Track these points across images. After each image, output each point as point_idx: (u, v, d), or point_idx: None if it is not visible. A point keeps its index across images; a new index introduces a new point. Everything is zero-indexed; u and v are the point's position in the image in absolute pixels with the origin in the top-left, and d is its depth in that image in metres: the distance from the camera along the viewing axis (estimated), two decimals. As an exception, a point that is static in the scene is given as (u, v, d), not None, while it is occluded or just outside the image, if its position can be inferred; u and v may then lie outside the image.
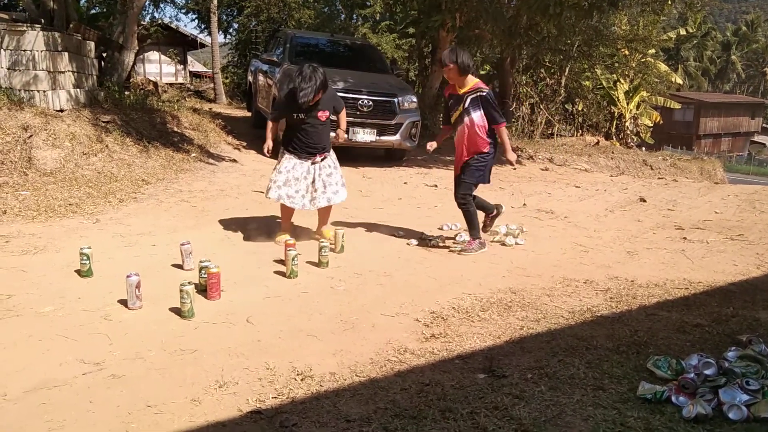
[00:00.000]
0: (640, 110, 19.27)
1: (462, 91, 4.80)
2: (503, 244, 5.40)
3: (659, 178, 11.79)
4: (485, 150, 4.88)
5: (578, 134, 17.34)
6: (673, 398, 2.64)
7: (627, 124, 18.74)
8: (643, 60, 18.29)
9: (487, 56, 16.74)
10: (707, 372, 2.82)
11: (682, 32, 22.03)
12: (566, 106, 18.08)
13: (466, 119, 4.81)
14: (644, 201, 7.89)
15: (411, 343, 3.27)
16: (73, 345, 3.07)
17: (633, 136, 19.14)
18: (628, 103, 18.55)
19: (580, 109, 18.09)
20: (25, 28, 7.43)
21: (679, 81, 24.10)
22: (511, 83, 15.86)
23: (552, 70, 17.26)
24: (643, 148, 19.58)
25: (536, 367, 3.02)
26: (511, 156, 5.03)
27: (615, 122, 18.60)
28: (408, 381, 2.83)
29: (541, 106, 16.24)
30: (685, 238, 5.84)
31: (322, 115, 4.84)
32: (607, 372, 2.98)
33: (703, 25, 53.20)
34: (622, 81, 18.35)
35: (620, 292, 4.27)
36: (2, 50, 7.41)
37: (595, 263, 5.01)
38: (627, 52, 17.13)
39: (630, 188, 9.21)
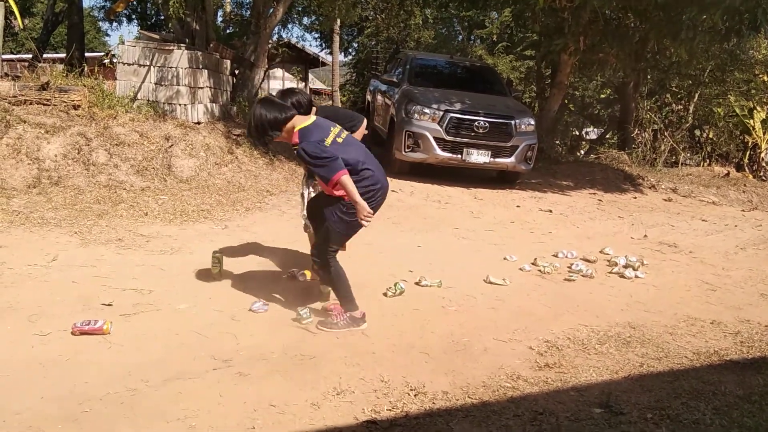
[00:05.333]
0: (779, 140, 17.78)
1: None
2: (622, 276, 5.20)
3: (799, 216, 10.81)
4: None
5: (705, 164, 16.27)
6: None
7: (762, 155, 17.32)
8: (784, 87, 16.90)
9: (609, 79, 16.18)
10: None
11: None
12: (693, 133, 17.05)
13: None
14: (781, 240, 7.28)
15: (524, 370, 3.24)
16: (205, 341, 3.32)
17: (769, 169, 17.67)
18: (764, 133, 17.19)
19: (709, 137, 16.99)
20: (172, 48, 8.15)
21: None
22: (633, 108, 15.21)
23: (679, 96, 16.37)
24: (781, 182, 18.02)
25: (657, 408, 2.89)
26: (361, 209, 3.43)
27: (748, 152, 17.27)
28: (521, 408, 2.81)
29: (666, 133, 15.42)
30: (829, 284, 5.33)
31: None
32: (736, 421, 2.80)
33: None
34: (759, 109, 17.02)
35: (752, 336, 3.99)
36: (152, 67, 8.16)
37: (723, 303, 4.70)
38: (766, 78, 15.91)
39: (765, 225, 8.53)
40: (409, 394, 2.87)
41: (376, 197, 3.55)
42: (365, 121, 4.18)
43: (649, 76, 14.59)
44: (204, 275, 4.37)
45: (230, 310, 3.76)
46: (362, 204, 3.37)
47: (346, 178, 3.33)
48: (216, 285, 4.21)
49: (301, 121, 3.43)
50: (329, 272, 3.68)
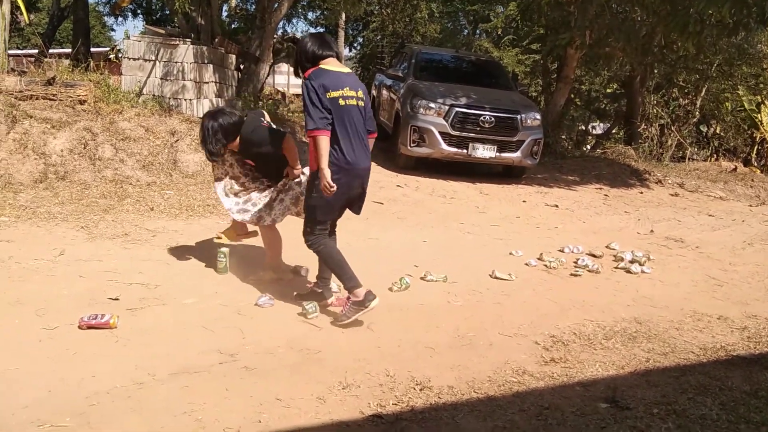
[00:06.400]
0: (787, 135, 17.66)
1: None
2: (628, 271, 5.18)
3: (807, 211, 10.74)
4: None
5: (713, 159, 16.18)
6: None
7: (770, 150, 17.22)
8: (793, 81, 16.77)
9: (616, 74, 16.09)
10: None
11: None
12: (700, 128, 16.95)
13: None
14: (789, 235, 7.24)
15: (530, 365, 3.24)
16: (211, 336, 3.33)
17: (777, 164, 17.56)
18: (772, 128, 17.07)
19: (716, 131, 16.90)
20: (178, 42, 8.16)
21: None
22: (639, 103, 15.13)
23: (686, 90, 16.27)
24: (788, 177, 17.91)
25: (663, 403, 2.89)
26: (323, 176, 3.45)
27: (756, 147, 17.17)
28: (527, 402, 2.81)
29: (673, 128, 15.34)
30: (837, 279, 5.30)
31: (248, 162, 4.23)
32: (743, 416, 2.80)
33: None
34: (767, 103, 16.92)
35: (759, 332, 3.97)
36: (157, 62, 8.17)
37: (730, 299, 4.68)
38: (774, 72, 15.80)
39: (772, 220, 8.48)
40: (414, 389, 2.87)
41: (340, 179, 3.42)
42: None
43: (656, 71, 14.50)
44: (210, 270, 4.38)
45: (236, 305, 3.77)
46: (326, 171, 3.34)
47: (323, 140, 3.32)
48: (222, 280, 4.23)
49: (324, 63, 3.44)
50: (320, 253, 3.63)
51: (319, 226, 3.61)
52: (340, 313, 3.61)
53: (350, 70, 3.58)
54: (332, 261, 3.62)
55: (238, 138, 4.03)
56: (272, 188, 4.22)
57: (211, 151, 4.01)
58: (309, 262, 4.58)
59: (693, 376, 3.21)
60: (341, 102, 3.37)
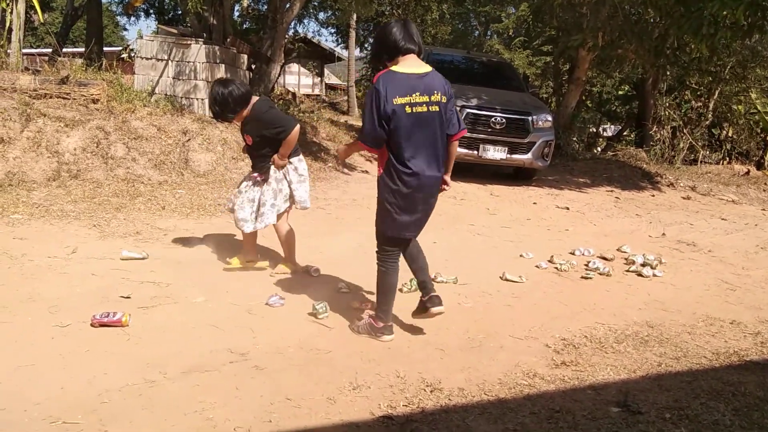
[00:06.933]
0: (801, 139, 17.49)
1: None
2: (639, 274, 5.14)
3: (821, 215, 10.62)
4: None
5: (725, 162, 16.06)
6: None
7: (784, 153, 17.06)
8: (807, 84, 16.62)
9: (628, 76, 16.01)
10: None
11: None
12: (713, 131, 16.83)
13: None
14: (803, 239, 7.16)
15: (540, 368, 3.22)
16: (222, 335, 3.34)
17: (790, 167, 17.40)
18: (785, 131, 16.91)
19: (729, 134, 16.77)
20: (190, 42, 8.20)
21: None
22: (651, 105, 15.06)
23: (699, 92, 16.17)
24: (802, 181, 17.72)
25: (675, 408, 2.86)
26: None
27: (769, 151, 17.02)
28: (537, 405, 2.79)
29: (685, 131, 15.24)
30: None
31: (247, 138, 4.26)
32: (756, 422, 2.77)
33: None
34: (780, 106, 16.77)
35: (773, 337, 3.93)
36: (170, 62, 8.21)
37: (743, 303, 4.64)
38: (788, 76, 15.66)
39: (786, 224, 8.40)
40: (425, 390, 2.86)
41: (400, 188, 3.21)
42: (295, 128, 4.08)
43: (668, 73, 14.42)
44: (220, 269, 4.39)
45: (246, 304, 3.77)
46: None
47: (357, 149, 3.42)
48: (232, 278, 4.24)
49: (402, 59, 3.18)
50: (378, 272, 3.42)
51: (386, 244, 3.39)
52: (358, 321, 3.55)
53: (429, 69, 3.23)
54: (383, 286, 3.42)
55: (250, 113, 4.13)
56: (253, 182, 4.29)
57: (219, 114, 4.11)
58: (320, 263, 4.60)
59: (705, 381, 3.18)
60: (407, 109, 3.10)
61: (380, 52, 3.27)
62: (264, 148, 4.19)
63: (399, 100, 3.08)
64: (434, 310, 3.42)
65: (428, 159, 3.22)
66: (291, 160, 4.28)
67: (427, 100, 3.15)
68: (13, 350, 2.95)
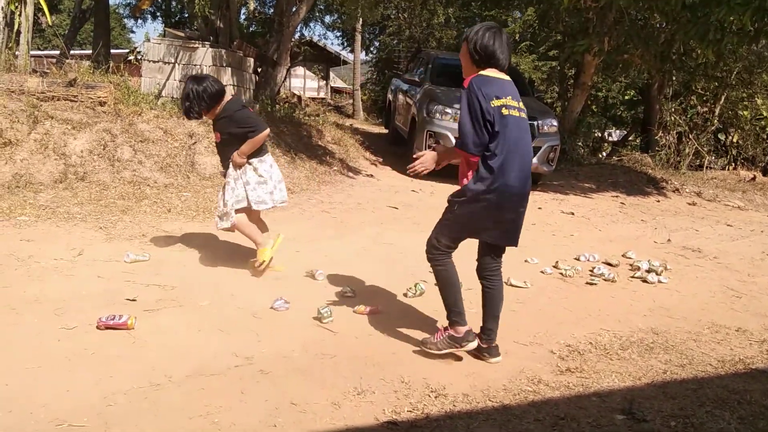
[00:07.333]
0: (807, 145, 17.41)
1: None
2: (644, 280, 5.13)
3: (827, 222, 10.58)
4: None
5: (731, 168, 16.00)
6: None
7: (790, 159, 16.99)
8: (813, 90, 16.56)
9: (633, 81, 15.99)
10: None
11: None
12: (719, 136, 16.78)
13: None
14: (809, 246, 7.13)
15: (545, 374, 3.22)
16: (227, 338, 3.35)
17: (797, 173, 17.32)
18: (792, 137, 16.84)
19: (735, 140, 16.71)
20: (197, 45, 8.23)
21: None
22: (657, 110, 15.02)
23: (704, 98, 16.13)
24: (808, 187, 17.63)
25: (680, 416, 2.85)
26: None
27: (775, 157, 16.95)
28: (542, 412, 2.79)
29: (690, 136, 15.20)
30: None
31: (216, 135, 4.37)
32: (762, 431, 2.75)
33: None
34: (787, 112, 16.71)
35: (779, 345, 3.91)
36: (176, 65, 8.25)
37: (749, 311, 4.62)
38: (795, 81, 15.60)
39: (792, 231, 8.36)
40: (429, 396, 2.86)
41: (489, 198, 3.11)
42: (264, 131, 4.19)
43: (674, 78, 14.39)
44: (225, 272, 4.41)
45: (251, 308, 3.78)
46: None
47: (453, 157, 3.28)
48: (237, 282, 4.25)
49: (491, 68, 3.13)
50: (438, 273, 3.28)
51: (448, 242, 3.27)
52: (432, 338, 3.33)
53: (509, 78, 3.19)
54: (448, 287, 3.28)
55: (221, 110, 4.21)
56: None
57: (190, 111, 4.17)
58: (325, 267, 4.60)
59: (711, 389, 3.17)
60: (504, 111, 3.02)
61: (472, 55, 3.16)
62: (232, 145, 4.27)
63: (496, 102, 3.02)
64: (492, 360, 3.32)
65: (522, 167, 3.13)
66: (251, 160, 4.33)
67: (517, 105, 3.11)
68: (20, 352, 2.97)
